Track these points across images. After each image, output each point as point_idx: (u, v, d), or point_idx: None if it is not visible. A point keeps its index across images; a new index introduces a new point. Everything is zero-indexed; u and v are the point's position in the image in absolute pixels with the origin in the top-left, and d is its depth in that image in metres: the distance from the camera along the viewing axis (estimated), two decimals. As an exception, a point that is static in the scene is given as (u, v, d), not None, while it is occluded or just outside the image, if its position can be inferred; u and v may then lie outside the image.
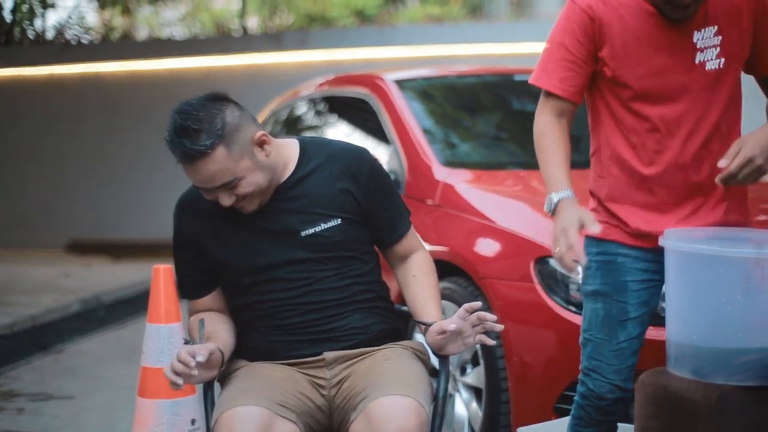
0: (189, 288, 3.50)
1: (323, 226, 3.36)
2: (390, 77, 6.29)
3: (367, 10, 14.87)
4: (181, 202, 3.48)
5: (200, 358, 3.12)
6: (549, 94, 3.47)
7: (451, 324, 3.23)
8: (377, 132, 5.99)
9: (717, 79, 3.39)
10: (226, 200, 3.27)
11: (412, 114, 5.90)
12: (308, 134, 6.91)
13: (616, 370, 3.50)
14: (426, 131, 5.81)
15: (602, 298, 3.52)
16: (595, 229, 3.26)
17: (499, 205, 5.11)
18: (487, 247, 4.84)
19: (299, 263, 3.35)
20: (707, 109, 3.40)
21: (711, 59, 3.37)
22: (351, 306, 3.39)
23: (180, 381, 3.12)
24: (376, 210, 3.46)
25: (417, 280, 3.51)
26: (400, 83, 6.21)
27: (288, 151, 3.44)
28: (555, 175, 3.40)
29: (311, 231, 3.35)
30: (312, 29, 13.77)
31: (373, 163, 3.50)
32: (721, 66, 3.38)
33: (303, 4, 15.40)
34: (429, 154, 5.59)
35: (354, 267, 3.41)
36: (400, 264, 3.56)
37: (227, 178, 3.23)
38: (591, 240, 3.54)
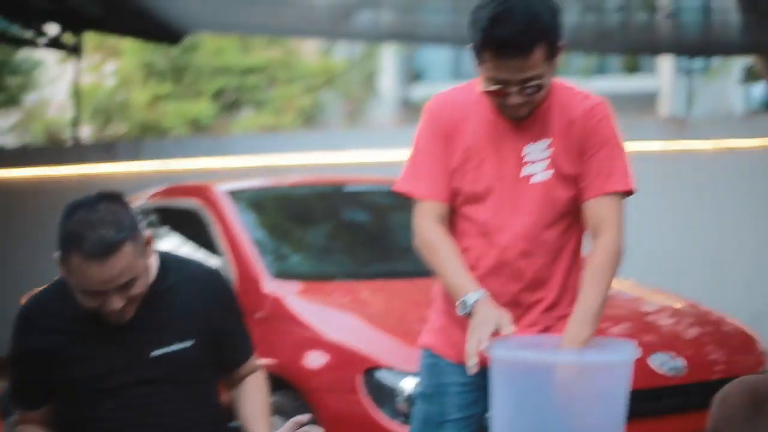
0: (23, 399, 3.37)
1: (176, 347, 3.29)
2: (221, 188, 6.29)
3: (202, 120, 14.86)
4: (24, 315, 3.34)
5: None
6: (424, 201, 3.48)
7: None
8: (208, 244, 5.97)
9: (545, 193, 3.40)
10: (118, 303, 3.13)
11: (242, 225, 5.90)
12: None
13: None
14: (257, 242, 5.81)
15: (425, 399, 3.56)
16: (509, 330, 3.20)
17: (327, 317, 5.14)
18: (315, 360, 4.84)
19: (146, 384, 3.26)
20: (531, 221, 3.41)
21: (538, 172, 3.39)
22: (192, 429, 3.33)
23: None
24: (227, 334, 3.43)
25: (250, 397, 3.48)
26: (232, 194, 6.21)
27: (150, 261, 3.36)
28: (462, 279, 3.37)
29: (162, 351, 3.27)
30: (145, 139, 13.71)
31: (229, 286, 3.49)
32: (548, 179, 3.40)
33: (137, 113, 15.34)
34: (259, 265, 5.59)
35: (199, 389, 3.36)
36: (237, 383, 3.53)
37: (130, 276, 3.11)
38: (426, 347, 3.58)
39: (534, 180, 3.39)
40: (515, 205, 3.41)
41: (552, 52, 3.28)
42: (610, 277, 3.35)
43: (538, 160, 3.39)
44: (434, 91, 3.69)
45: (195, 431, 3.33)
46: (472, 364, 3.14)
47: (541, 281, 3.45)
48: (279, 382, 4.85)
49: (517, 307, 3.44)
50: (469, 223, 3.46)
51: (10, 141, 17.54)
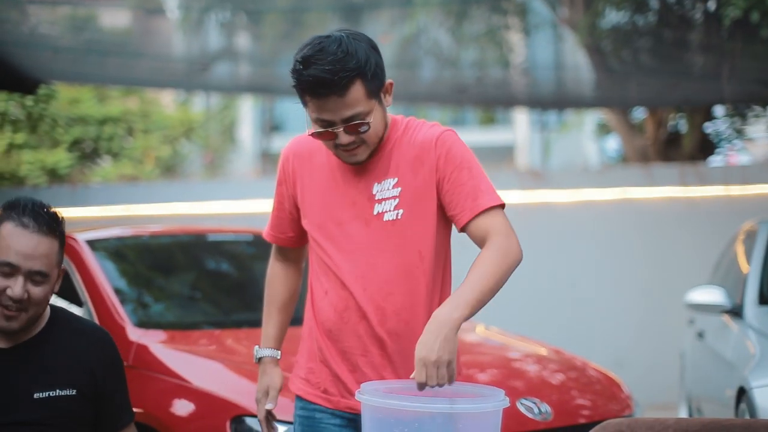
0: None
1: (60, 392, 3.32)
2: (82, 237, 6.20)
3: (60, 170, 14.63)
4: None
5: None
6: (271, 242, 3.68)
7: None
8: (69, 293, 5.86)
9: (400, 231, 3.34)
10: (21, 289, 3.21)
11: (104, 274, 5.83)
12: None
13: None
14: (119, 292, 5.75)
15: None
16: (270, 406, 3.56)
17: (194, 365, 5.09)
18: (182, 408, 4.81)
19: (22, 425, 3.26)
20: (389, 259, 3.36)
21: (389, 210, 3.34)
22: None
23: None
24: (107, 396, 3.46)
25: None
26: (92, 243, 6.12)
27: None
28: (264, 329, 3.66)
29: (46, 394, 3.30)
30: (2, 188, 13.43)
31: (116, 350, 3.53)
32: (400, 217, 3.35)
33: (-9, 162, 15.02)
34: (122, 314, 5.52)
35: None
36: None
37: (45, 266, 3.26)
38: (297, 395, 3.55)
39: (387, 218, 3.36)
40: (372, 245, 3.37)
41: (374, 89, 3.26)
42: (498, 271, 3.16)
43: (386, 199, 3.36)
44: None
45: None
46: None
47: (404, 321, 3.37)
48: (147, 431, 4.80)
49: (384, 349, 3.39)
50: (325, 266, 3.43)
51: None
